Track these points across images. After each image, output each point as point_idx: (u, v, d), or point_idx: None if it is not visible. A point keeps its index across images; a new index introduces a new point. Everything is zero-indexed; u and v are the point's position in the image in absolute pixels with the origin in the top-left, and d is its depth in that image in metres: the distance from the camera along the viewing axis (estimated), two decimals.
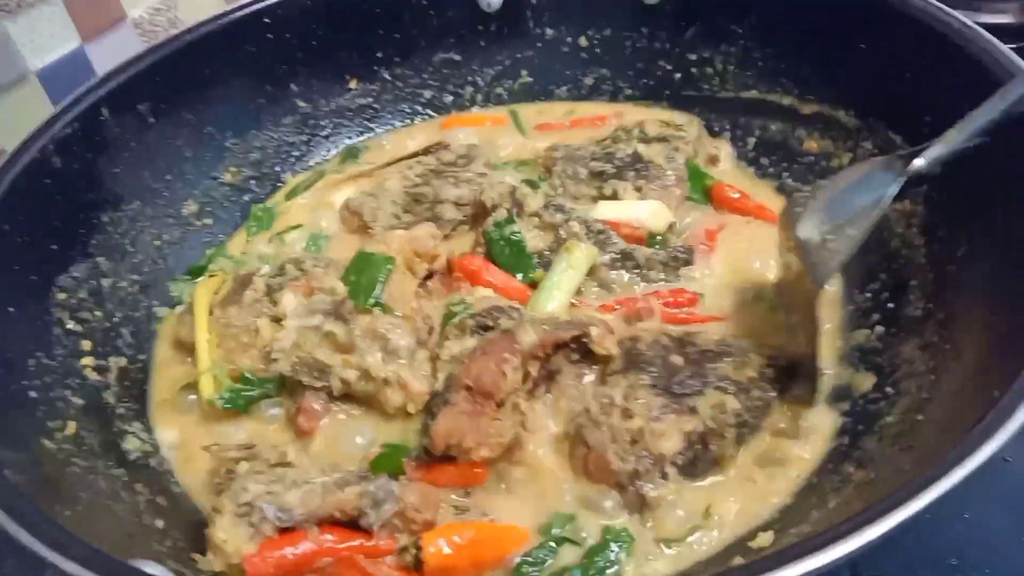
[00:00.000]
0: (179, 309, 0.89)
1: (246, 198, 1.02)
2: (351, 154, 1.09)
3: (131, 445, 0.73)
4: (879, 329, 0.77)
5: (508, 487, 0.68)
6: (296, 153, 1.07)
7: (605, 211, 0.92)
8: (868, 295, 0.81)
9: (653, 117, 1.02)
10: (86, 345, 0.78)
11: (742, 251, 0.90)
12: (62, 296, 0.78)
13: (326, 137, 1.09)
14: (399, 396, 0.74)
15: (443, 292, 0.86)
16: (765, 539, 0.61)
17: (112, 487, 0.65)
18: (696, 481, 0.68)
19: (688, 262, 0.88)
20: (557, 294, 0.84)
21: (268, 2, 1.00)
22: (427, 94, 1.12)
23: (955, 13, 0.80)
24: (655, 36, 1.06)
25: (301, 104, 1.06)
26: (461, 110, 1.13)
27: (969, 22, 0.78)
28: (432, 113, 1.13)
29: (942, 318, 0.70)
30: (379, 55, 1.09)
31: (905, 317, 0.75)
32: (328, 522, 0.61)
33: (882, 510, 0.44)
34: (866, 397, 0.72)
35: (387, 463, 0.68)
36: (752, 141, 1.01)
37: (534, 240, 0.89)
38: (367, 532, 0.61)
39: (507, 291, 0.86)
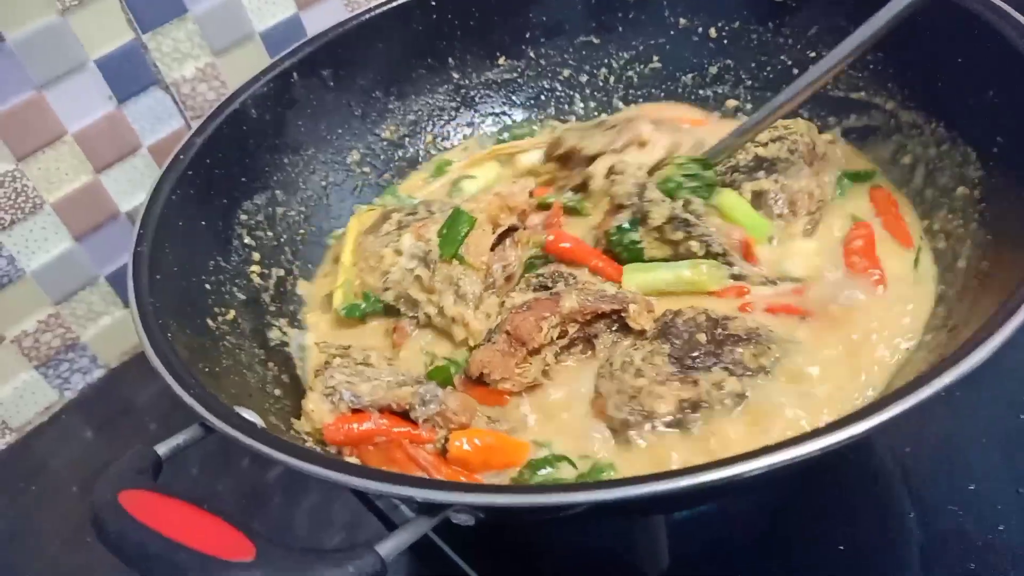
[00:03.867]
0: (339, 232, 1.12)
1: (399, 153, 1.23)
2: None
3: (274, 335, 0.97)
4: None
5: (528, 414, 0.84)
6: (446, 116, 1.26)
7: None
8: None
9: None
10: (256, 256, 1.02)
11: None
12: (244, 217, 1.03)
13: (472, 105, 1.27)
14: (462, 331, 0.92)
15: (530, 240, 0.99)
16: None
17: (250, 361, 0.88)
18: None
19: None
20: (649, 279, 0.91)
21: None
22: (565, 72, 1.26)
23: None
24: (780, 32, 1.12)
25: (455, 75, 1.24)
26: (594, 90, 1.26)
27: None
28: (569, 92, 1.27)
29: None
30: (527, 35, 1.24)
31: None
32: (387, 411, 0.80)
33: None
34: None
35: (439, 374, 0.87)
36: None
37: (652, 250, 0.93)
38: (414, 423, 0.80)
39: (604, 272, 0.94)
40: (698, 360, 0.81)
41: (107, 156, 1.21)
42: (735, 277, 0.91)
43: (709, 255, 0.91)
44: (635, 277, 0.92)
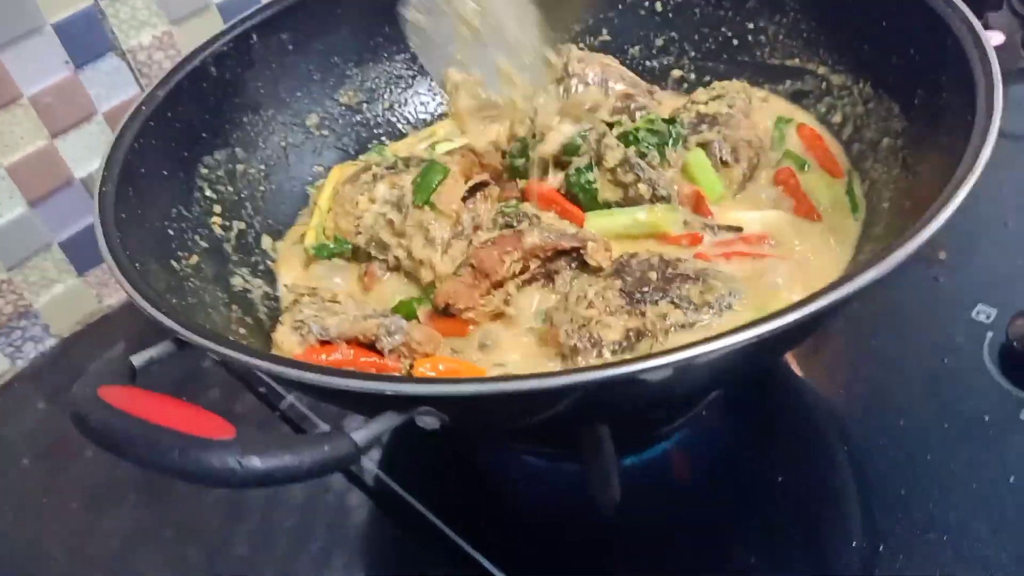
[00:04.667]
0: (319, 183, 1.16)
1: (356, 118, 1.26)
2: None
3: (236, 282, 0.99)
4: None
5: (488, 343, 0.88)
6: (403, 84, 1.29)
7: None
8: None
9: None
10: (217, 209, 1.03)
11: None
12: (205, 171, 1.04)
13: (428, 74, 1.30)
14: (429, 274, 0.95)
15: (501, 196, 1.03)
16: None
17: (214, 302, 0.90)
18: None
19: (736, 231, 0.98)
20: (608, 223, 0.97)
21: None
22: None
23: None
24: (720, 4, 1.19)
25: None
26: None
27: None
28: None
29: None
30: None
31: None
32: (354, 343, 0.83)
33: None
34: None
35: (403, 308, 0.91)
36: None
37: (606, 192, 0.99)
38: (380, 354, 0.83)
39: (571, 215, 0.99)
40: (647, 295, 0.86)
41: (62, 121, 1.22)
42: (685, 223, 0.97)
43: (655, 198, 0.97)
44: (596, 221, 0.98)
